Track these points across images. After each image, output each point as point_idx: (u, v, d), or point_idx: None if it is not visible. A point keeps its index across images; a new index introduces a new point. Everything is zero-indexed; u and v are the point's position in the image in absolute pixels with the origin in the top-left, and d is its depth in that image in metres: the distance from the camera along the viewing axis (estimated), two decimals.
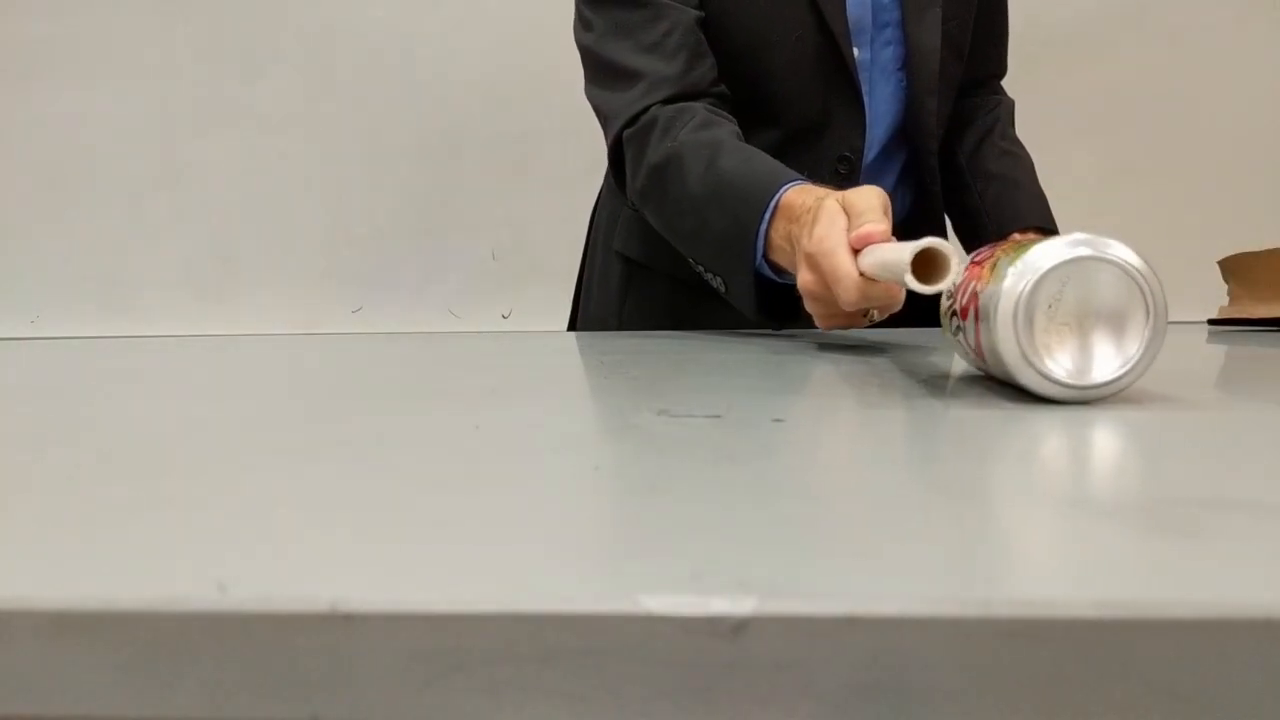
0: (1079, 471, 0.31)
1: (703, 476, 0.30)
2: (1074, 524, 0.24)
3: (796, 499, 0.28)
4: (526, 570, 0.22)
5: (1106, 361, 0.40)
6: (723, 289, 0.82)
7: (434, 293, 1.89)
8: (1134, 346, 0.40)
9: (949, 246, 0.51)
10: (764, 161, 0.79)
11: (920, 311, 0.75)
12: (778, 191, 0.73)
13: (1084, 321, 0.40)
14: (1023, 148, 1.09)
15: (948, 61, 0.97)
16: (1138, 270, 0.40)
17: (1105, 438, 0.36)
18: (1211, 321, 0.93)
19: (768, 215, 0.73)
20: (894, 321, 0.69)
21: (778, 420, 0.39)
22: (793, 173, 0.77)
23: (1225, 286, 0.94)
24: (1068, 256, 0.40)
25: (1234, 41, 1.79)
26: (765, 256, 0.74)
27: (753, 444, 0.36)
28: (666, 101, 0.86)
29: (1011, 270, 0.41)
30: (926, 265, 0.51)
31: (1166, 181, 1.80)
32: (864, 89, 0.94)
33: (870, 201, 0.64)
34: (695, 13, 0.89)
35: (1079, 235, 0.40)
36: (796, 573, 0.21)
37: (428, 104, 1.85)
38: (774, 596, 0.19)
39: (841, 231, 0.62)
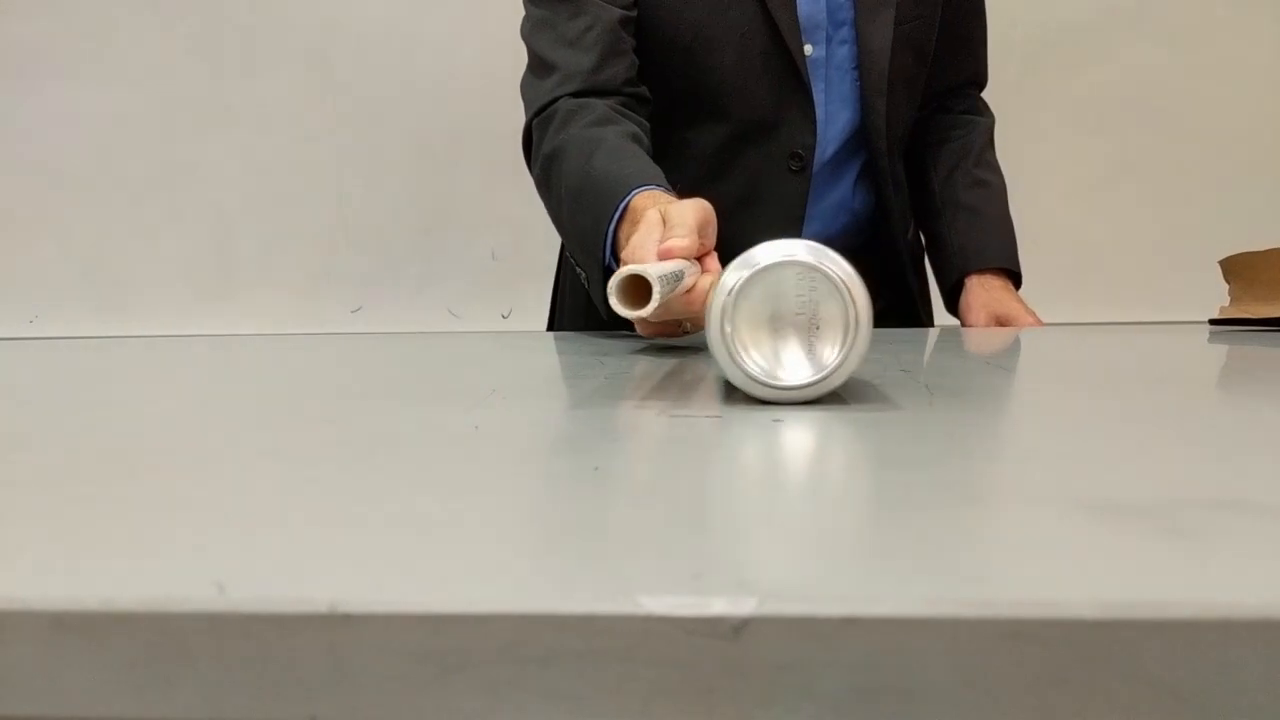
0: (1079, 472, 0.31)
1: (703, 476, 0.30)
2: (1074, 524, 0.24)
3: (796, 499, 0.28)
4: (526, 570, 0.22)
5: (806, 364, 0.42)
6: (586, 284, 0.83)
7: (434, 293, 1.89)
8: (834, 352, 0.42)
9: (652, 273, 0.51)
10: (631, 163, 0.80)
11: None
12: (628, 194, 0.74)
13: (790, 324, 0.42)
14: (997, 173, 1.08)
15: (905, 63, 0.96)
16: (841, 279, 0.41)
17: (1105, 438, 0.36)
18: (1213, 321, 0.93)
19: (616, 217, 0.74)
20: None
21: (778, 420, 0.39)
22: (653, 175, 0.77)
23: (1226, 286, 0.94)
24: (771, 261, 0.41)
25: (1234, 41, 1.79)
26: (615, 256, 0.75)
27: (753, 444, 0.35)
28: (575, 95, 0.87)
29: (724, 274, 0.42)
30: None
31: (1166, 181, 1.80)
32: (819, 87, 0.93)
33: (684, 216, 0.64)
34: (621, 11, 0.90)
35: (797, 243, 0.42)
36: (796, 573, 0.21)
37: (428, 104, 1.85)
38: (774, 597, 0.19)
39: (654, 244, 0.63)
